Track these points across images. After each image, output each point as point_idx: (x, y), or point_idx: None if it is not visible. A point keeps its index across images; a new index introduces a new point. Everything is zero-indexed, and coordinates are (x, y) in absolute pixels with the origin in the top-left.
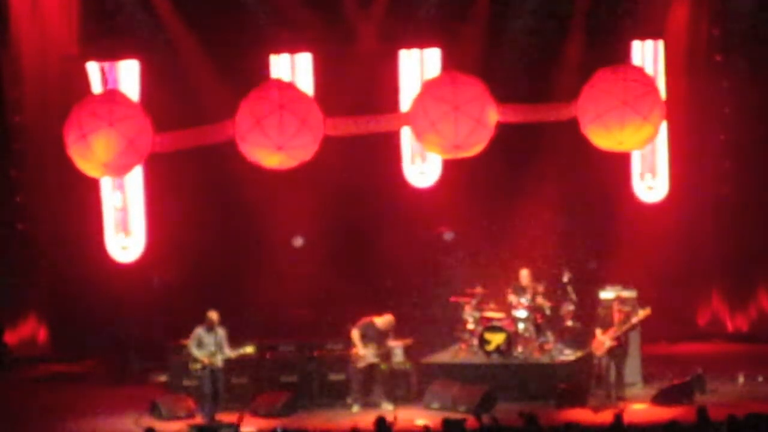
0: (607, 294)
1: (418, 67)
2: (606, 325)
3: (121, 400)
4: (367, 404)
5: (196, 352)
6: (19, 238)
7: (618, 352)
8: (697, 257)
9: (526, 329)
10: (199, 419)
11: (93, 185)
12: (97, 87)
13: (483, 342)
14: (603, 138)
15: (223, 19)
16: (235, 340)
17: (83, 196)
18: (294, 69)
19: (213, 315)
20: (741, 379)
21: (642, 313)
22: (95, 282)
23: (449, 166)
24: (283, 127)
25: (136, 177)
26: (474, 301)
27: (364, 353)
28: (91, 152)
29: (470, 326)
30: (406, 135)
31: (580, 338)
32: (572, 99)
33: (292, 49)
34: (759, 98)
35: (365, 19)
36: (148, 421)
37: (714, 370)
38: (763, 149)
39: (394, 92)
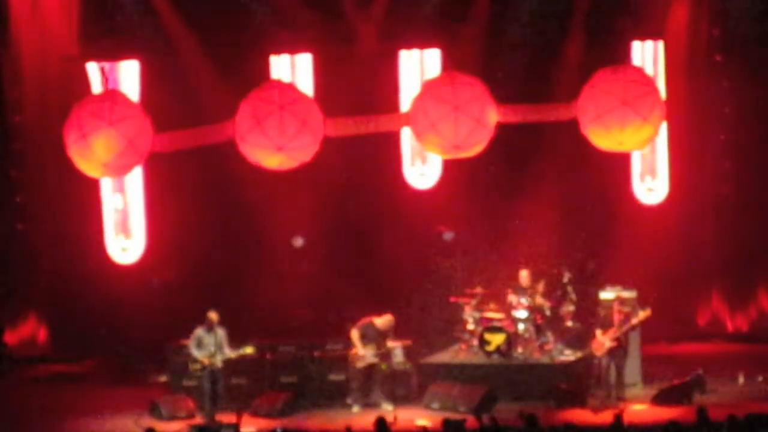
0: (607, 294)
1: (418, 67)
2: (606, 326)
3: (121, 400)
4: (367, 404)
5: (196, 353)
6: (19, 238)
7: (618, 352)
8: (697, 257)
9: (526, 330)
10: (199, 419)
11: (93, 185)
12: (97, 87)
13: (483, 342)
14: (603, 138)
15: (223, 19)
16: (235, 340)
17: (83, 196)
18: (294, 69)
19: (213, 315)
20: (741, 379)
21: (642, 314)
22: (95, 282)
23: (449, 167)
24: (283, 127)
25: (136, 178)
26: (474, 302)
27: (364, 353)
28: (91, 152)
29: (470, 326)
30: (406, 136)
31: (580, 338)
32: (572, 99)
33: (292, 50)
34: (759, 98)
35: (365, 19)
36: (148, 421)
37: (714, 370)
38: (763, 149)
39: (394, 92)
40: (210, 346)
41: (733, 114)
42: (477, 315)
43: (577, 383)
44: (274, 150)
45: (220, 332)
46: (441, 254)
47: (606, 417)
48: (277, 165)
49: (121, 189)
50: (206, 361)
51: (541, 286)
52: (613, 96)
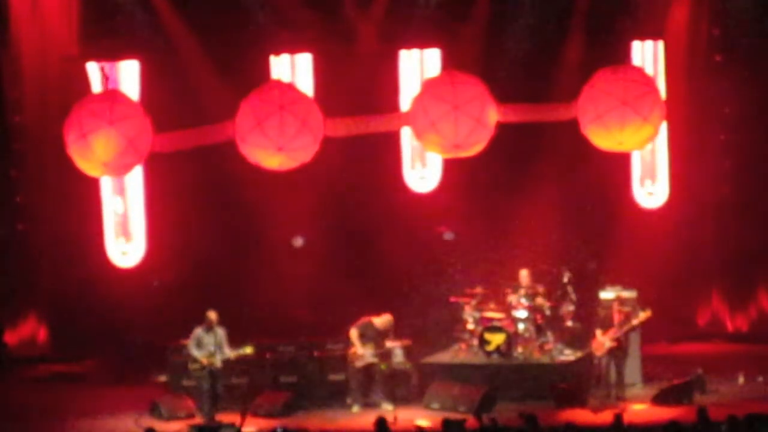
0: (607, 294)
1: (418, 67)
2: (606, 326)
3: (121, 400)
4: (367, 404)
5: (196, 353)
6: (19, 239)
7: (618, 352)
8: (697, 257)
9: (526, 329)
10: (199, 419)
11: (93, 185)
12: (97, 87)
13: (483, 342)
14: (603, 138)
15: (223, 19)
16: (235, 341)
17: (83, 196)
18: (294, 69)
19: (212, 315)
20: (741, 379)
21: (642, 315)
22: (95, 282)
23: (449, 167)
24: (283, 128)
25: (136, 181)
26: (474, 302)
27: (363, 353)
28: (91, 152)
29: (470, 326)
30: (406, 139)
31: (580, 339)
32: (572, 99)
33: (292, 50)
34: (759, 98)
35: (365, 19)
36: (148, 421)
37: (714, 370)
38: (763, 149)
39: (394, 92)
40: (209, 346)
41: (733, 114)
42: (477, 315)
43: (577, 383)
44: (274, 150)
45: (220, 332)
46: (441, 254)
47: (606, 417)
48: (278, 165)
49: (121, 192)
50: (205, 361)
51: (541, 286)
52: (613, 96)
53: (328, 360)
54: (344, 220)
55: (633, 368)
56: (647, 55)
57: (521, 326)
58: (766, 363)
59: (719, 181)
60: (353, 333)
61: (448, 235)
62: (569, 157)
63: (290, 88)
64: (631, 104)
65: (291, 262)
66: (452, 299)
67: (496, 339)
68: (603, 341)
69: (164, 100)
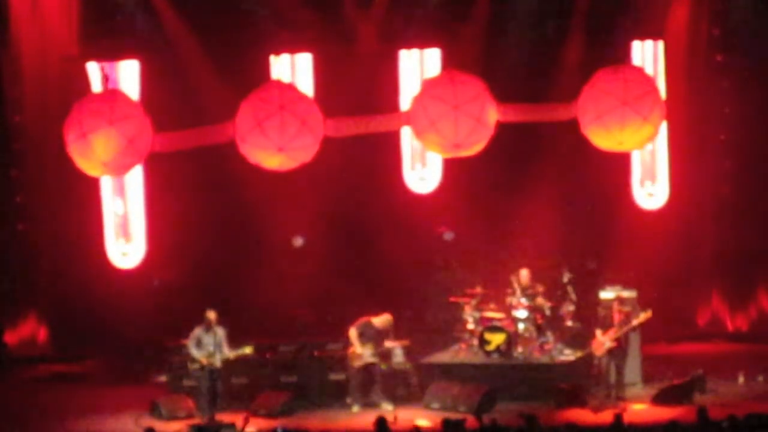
0: (607, 294)
1: (418, 67)
2: (606, 326)
3: (121, 400)
4: (367, 404)
5: (195, 353)
6: (19, 238)
7: (618, 352)
8: (697, 257)
9: (526, 329)
10: (199, 419)
11: (93, 185)
12: (97, 87)
13: (483, 342)
14: (603, 138)
15: (223, 19)
16: (235, 341)
17: (83, 196)
18: (294, 69)
19: (211, 315)
20: (741, 379)
21: (643, 316)
22: (95, 282)
23: (449, 167)
24: (283, 128)
25: (136, 182)
26: (474, 301)
27: (361, 352)
28: (91, 151)
29: (470, 326)
30: (406, 140)
31: (580, 338)
32: (572, 99)
33: (292, 50)
34: (759, 98)
35: (365, 19)
36: (148, 421)
37: (714, 370)
38: (763, 149)
39: (394, 92)
40: (209, 346)
41: (733, 114)
42: (477, 315)
43: (577, 383)
44: (274, 150)
45: (219, 332)
46: (441, 254)
47: (606, 417)
48: (278, 165)
49: (121, 193)
50: (205, 361)
51: (541, 286)
52: (613, 96)
53: (328, 360)
54: (344, 220)
55: (633, 368)
56: (647, 55)
57: (521, 326)
58: (766, 363)
59: (719, 181)
60: (352, 333)
61: (448, 235)
62: (569, 157)
63: (290, 88)
64: (631, 104)
65: (291, 262)
66: (452, 299)
67: (496, 339)
68: (603, 341)
69: (164, 100)
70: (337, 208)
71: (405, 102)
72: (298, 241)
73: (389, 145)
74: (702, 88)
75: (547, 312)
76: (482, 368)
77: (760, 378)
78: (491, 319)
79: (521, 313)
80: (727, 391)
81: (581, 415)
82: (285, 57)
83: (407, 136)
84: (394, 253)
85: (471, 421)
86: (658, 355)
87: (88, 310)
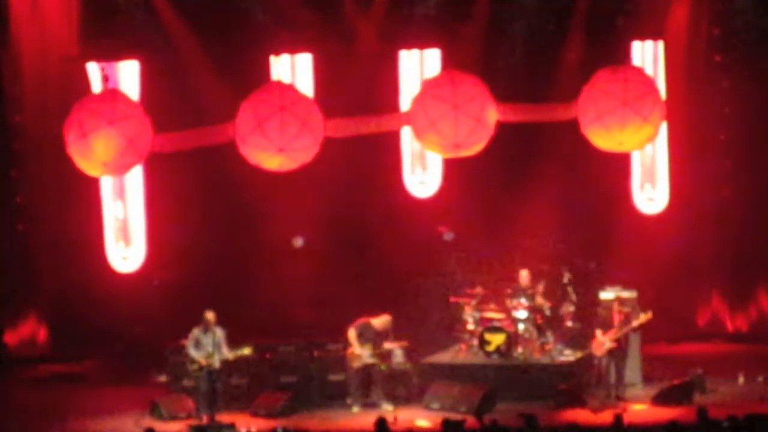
0: (607, 294)
1: (418, 67)
2: (606, 326)
3: (121, 400)
4: (367, 404)
5: (194, 353)
6: (19, 239)
7: (618, 353)
8: (697, 258)
9: (526, 330)
10: (198, 419)
11: (93, 185)
12: (97, 87)
13: (483, 342)
14: (603, 138)
15: (223, 19)
16: (235, 341)
17: (83, 196)
18: (294, 69)
19: (209, 315)
20: (741, 379)
21: (643, 317)
22: (95, 282)
23: (449, 167)
24: (283, 128)
25: (136, 184)
26: (474, 302)
27: (360, 353)
28: (91, 151)
29: (470, 327)
30: (406, 142)
31: (580, 339)
32: (572, 99)
33: (292, 50)
34: (759, 98)
35: (365, 19)
36: (148, 421)
37: (714, 370)
38: (763, 149)
39: (394, 92)
40: (207, 346)
41: (733, 114)
42: (477, 315)
43: (577, 383)
44: (274, 151)
45: (219, 332)
46: (441, 254)
47: (606, 417)
48: (278, 166)
49: (121, 195)
50: (204, 361)
51: (541, 287)
52: (613, 96)
53: (328, 360)
54: (344, 220)
55: (633, 368)
56: (647, 55)
57: (521, 326)
58: (766, 363)
59: (719, 182)
60: (351, 333)
61: (448, 235)
62: (569, 157)
63: (290, 88)
64: (631, 104)
65: (291, 262)
66: (452, 299)
67: (496, 339)
68: (603, 341)
69: (164, 100)
70: (337, 208)
71: (405, 102)
72: (298, 242)
73: (389, 146)
74: (702, 88)
75: (547, 312)
76: (482, 369)
77: (760, 378)
78: (491, 320)
79: (521, 314)
80: (727, 391)
81: (581, 415)
82: (285, 57)
83: (407, 140)
84: (394, 253)
85: (471, 421)
86: (658, 355)
87: (87, 311)
